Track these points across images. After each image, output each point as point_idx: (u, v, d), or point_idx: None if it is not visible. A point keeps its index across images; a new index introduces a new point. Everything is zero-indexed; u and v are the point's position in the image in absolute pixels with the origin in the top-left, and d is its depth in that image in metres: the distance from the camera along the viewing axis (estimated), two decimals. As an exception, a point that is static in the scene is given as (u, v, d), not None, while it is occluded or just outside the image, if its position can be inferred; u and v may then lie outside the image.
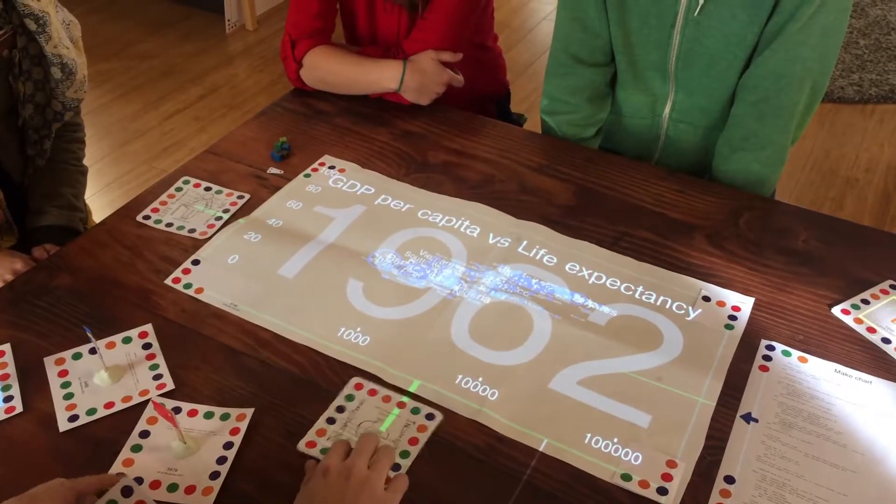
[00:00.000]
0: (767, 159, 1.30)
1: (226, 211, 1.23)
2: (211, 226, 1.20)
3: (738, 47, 1.23)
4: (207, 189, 1.28)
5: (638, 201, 1.26)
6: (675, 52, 1.28)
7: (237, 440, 0.90)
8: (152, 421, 0.92)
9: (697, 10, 1.21)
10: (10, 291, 1.10)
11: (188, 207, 1.24)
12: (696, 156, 1.40)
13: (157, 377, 0.97)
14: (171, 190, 1.28)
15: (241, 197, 1.26)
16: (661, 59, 1.30)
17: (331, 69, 1.44)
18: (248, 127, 1.43)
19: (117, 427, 0.92)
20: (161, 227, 1.20)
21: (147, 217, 1.22)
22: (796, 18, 1.17)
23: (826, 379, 0.98)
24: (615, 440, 0.91)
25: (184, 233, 1.19)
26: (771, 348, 1.02)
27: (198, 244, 1.17)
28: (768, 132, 1.28)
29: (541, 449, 0.90)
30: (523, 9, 3.64)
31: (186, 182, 1.29)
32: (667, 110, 1.37)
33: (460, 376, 0.98)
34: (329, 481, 0.78)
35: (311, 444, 0.90)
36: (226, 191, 1.27)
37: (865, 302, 1.08)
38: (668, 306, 1.07)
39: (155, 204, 1.25)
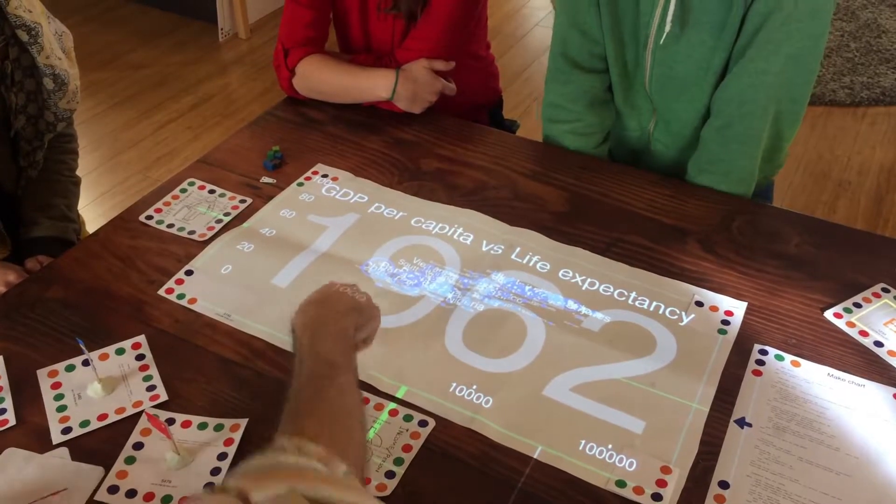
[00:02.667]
0: (733, 183, 1.29)
1: (227, 214, 1.23)
2: (210, 228, 1.21)
3: (706, 72, 1.23)
4: (211, 192, 1.28)
5: (630, 207, 1.26)
6: (647, 74, 1.29)
7: (231, 451, 0.90)
8: (146, 432, 0.92)
9: (664, 37, 1.21)
10: (2, 303, 1.10)
11: (191, 209, 1.25)
12: (677, 171, 1.40)
13: (151, 388, 0.97)
14: (176, 191, 1.28)
15: (243, 201, 1.26)
16: (640, 76, 1.31)
17: (323, 78, 1.44)
18: (241, 136, 1.43)
19: (111, 439, 0.92)
20: (163, 227, 1.21)
21: (150, 217, 1.23)
22: (755, 44, 1.16)
23: (819, 383, 0.98)
24: (609, 447, 0.91)
25: (183, 234, 1.20)
26: (764, 353, 1.02)
27: (191, 254, 1.17)
28: (732, 158, 1.28)
29: (535, 456, 0.90)
30: (516, 15, 3.65)
31: (192, 184, 1.30)
32: (651, 126, 1.38)
33: (454, 384, 0.98)
34: None
35: (306, 454, 0.89)
36: (229, 194, 1.28)
37: (858, 305, 1.08)
38: (661, 312, 1.07)
39: (158, 204, 1.25)
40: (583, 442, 0.91)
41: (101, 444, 0.91)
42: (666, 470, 0.88)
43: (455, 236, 1.20)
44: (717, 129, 1.27)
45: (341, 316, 0.86)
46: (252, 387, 0.98)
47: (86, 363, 0.99)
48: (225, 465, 0.88)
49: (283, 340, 1.03)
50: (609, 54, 1.32)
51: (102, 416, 0.94)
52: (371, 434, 0.92)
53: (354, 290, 0.91)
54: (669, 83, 1.28)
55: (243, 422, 0.93)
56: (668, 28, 1.20)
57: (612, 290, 1.11)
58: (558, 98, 1.40)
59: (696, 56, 1.22)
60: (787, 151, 1.35)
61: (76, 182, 1.46)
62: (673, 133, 1.36)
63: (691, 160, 1.33)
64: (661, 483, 0.87)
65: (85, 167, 2.18)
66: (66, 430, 0.92)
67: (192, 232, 1.21)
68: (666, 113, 1.33)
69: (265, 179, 1.31)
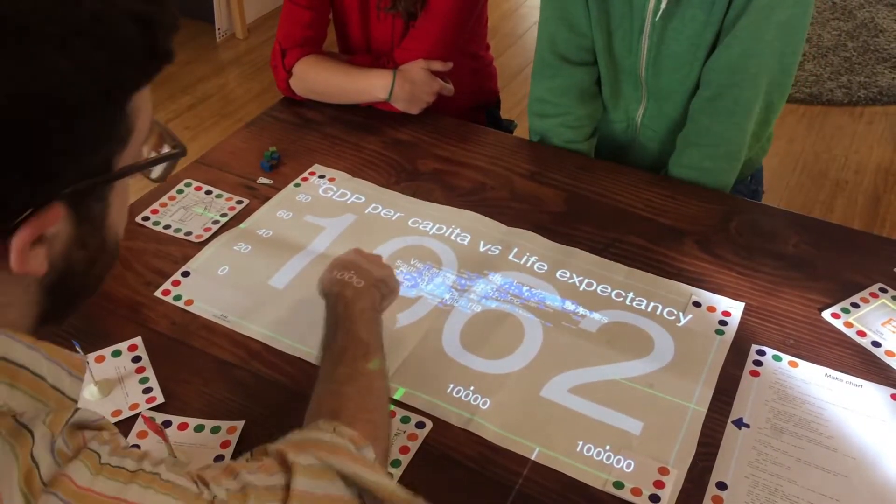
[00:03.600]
0: (719, 157, 1.29)
1: (224, 215, 1.23)
2: (207, 229, 1.20)
3: (698, 48, 1.23)
4: (208, 192, 1.28)
5: (628, 207, 1.26)
6: (644, 59, 1.29)
7: (228, 453, 0.89)
8: (142, 435, 0.91)
9: (659, 13, 1.21)
10: (-2, 305, 1.09)
11: (187, 210, 1.24)
12: (666, 159, 1.40)
13: (147, 391, 0.97)
14: (173, 192, 1.28)
15: (240, 202, 1.26)
16: (633, 65, 1.31)
17: (320, 79, 1.44)
18: (238, 137, 1.43)
19: (107, 441, 0.91)
20: (159, 228, 1.21)
21: (146, 218, 1.23)
22: (748, 13, 1.17)
23: (817, 383, 0.98)
24: (607, 448, 0.91)
25: (180, 235, 1.19)
26: (761, 353, 1.02)
27: (188, 256, 1.16)
28: (721, 129, 1.28)
29: (532, 457, 0.90)
30: (513, 14, 3.65)
31: (188, 184, 1.29)
32: (639, 116, 1.38)
33: (451, 385, 0.98)
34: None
35: (303, 456, 0.89)
36: (226, 195, 1.27)
37: (855, 305, 1.08)
38: (658, 312, 1.07)
39: (155, 205, 1.25)
40: (580, 443, 0.91)
41: (98, 447, 0.91)
42: (664, 471, 0.88)
43: (452, 237, 1.20)
44: (706, 99, 1.27)
45: (372, 287, 0.92)
46: (249, 389, 0.98)
47: (82, 365, 0.99)
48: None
49: (280, 342, 1.03)
50: (598, 46, 1.32)
51: (99, 419, 0.93)
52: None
53: (379, 260, 1.00)
54: (664, 62, 1.28)
55: (240, 424, 0.92)
56: (664, 3, 1.20)
57: (609, 290, 1.11)
58: (546, 93, 1.39)
59: (688, 32, 1.23)
60: (772, 130, 1.35)
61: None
62: (663, 117, 1.35)
63: (679, 135, 1.33)
64: (659, 484, 0.87)
65: (82, 168, 2.17)
66: (63, 433, 0.92)
67: (188, 233, 1.20)
68: (658, 95, 1.33)
69: (262, 180, 1.31)
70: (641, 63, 1.29)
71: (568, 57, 1.35)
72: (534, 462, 0.89)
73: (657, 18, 1.22)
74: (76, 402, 0.56)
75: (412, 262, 1.15)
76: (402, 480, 0.87)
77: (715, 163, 1.30)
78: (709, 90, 1.26)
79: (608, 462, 0.89)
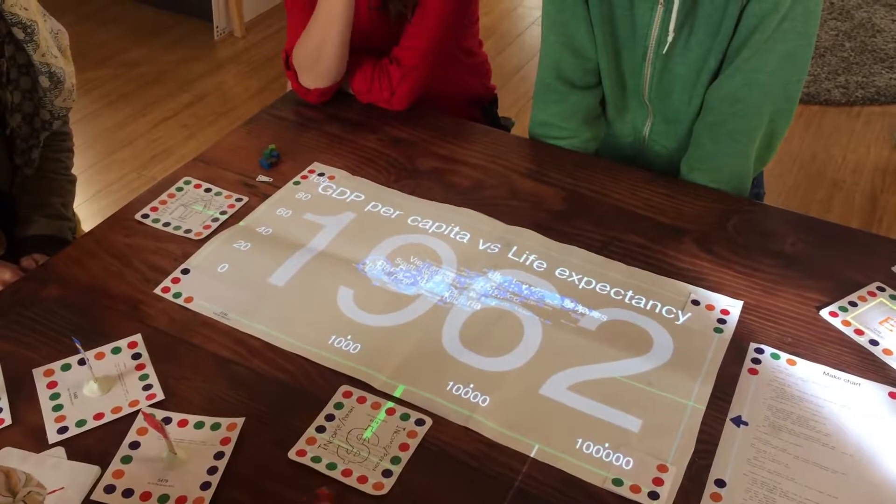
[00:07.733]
0: (724, 181, 1.30)
1: (223, 213, 1.23)
2: (207, 227, 1.20)
3: (703, 73, 1.24)
4: (207, 190, 1.28)
5: (627, 206, 1.26)
6: (647, 81, 1.29)
7: (228, 450, 0.90)
8: (142, 432, 0.92)
9: (665, 47, 1.22)
10: (-2, 302, 1.09)
11: (187, 208, 1.24)
12: (674, 171, 1.41)
13: (147, 387, 0.97)
14: (172, 189, 1.28)
15: (239, 199, 1.26)
16: (637, 85, 1.31)
17: (308, 35, 1.39)
18: (237, 134, 1.43)
19: (107, 438, 0.91)
20: (159, 226, 1.21)
21: (146, 216, 1.23)
22: (750, 45, 1.17)
23: (815, 381, 0.98)
24: (606, 445, 0.91)
25: (180, 233, 1.19)
26: (760, 351, 1.02)
27: (187, 253, 1.16)
28: (724, 155, 1.28)
29: (532, 455, 0.90)
30: (510, 14, 3.65)
31: (188, 182, 1.29)
32: (646, 130, 1.38)
33: (451, 383, 0.98)
34: None
35: (302, 453, 0.89)
36: (225, 192, 1.27)
37: (853, 304, 1.08)
38: (657, 310, 1.08)
39: (154, 203, 1.25)
40: (579, 440, 0.92)
41: (98, 444, 0.91)
42: (662, 468, 0.88)
43: (451, 235, 1.20)
44: (708, 125, 1.27)
45: None
46: (248, 385, 0.98)
47: (82, 362, 0.99)
48: (222, 464, 0.88)
49: (280, 339, 1.03)
50: (603, 68, 1.32)
51: (99, 416, 0.94)
52: (368, 433, 0.92)
53: None
54: (668, 85, 1.28)
55: (240, 421, 0.93)
56: (670, 38, 1.20)
57: (608, 288, 1.11)
58: (551, 117, 1.39)
59: (692, 57, 1.23)
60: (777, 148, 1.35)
61: (71, 180, 1.46)
62: (672, 132, 1.36)
63: (684, 158, 1.34)
64: (658, 481, 0.87)
65: (80, 165, 2.17)
66: (63, 430, 0.92)
67: (188, 230, 1.20)
68: (664, 114, 1.34)
69: (261, 178, 1.31)
70: (645, 86, 1.30)
71: (573, 81, 1.34)
72: (533, 459, 0.90)
73: (663, 52, 1.22)
74: None
75: (412, 260, 1.15)
76: (402, 477, 0.87)
77: (720, 186, 1.30)
78: (711, 116, 1.26)
79: (607, 459, 0.90)
